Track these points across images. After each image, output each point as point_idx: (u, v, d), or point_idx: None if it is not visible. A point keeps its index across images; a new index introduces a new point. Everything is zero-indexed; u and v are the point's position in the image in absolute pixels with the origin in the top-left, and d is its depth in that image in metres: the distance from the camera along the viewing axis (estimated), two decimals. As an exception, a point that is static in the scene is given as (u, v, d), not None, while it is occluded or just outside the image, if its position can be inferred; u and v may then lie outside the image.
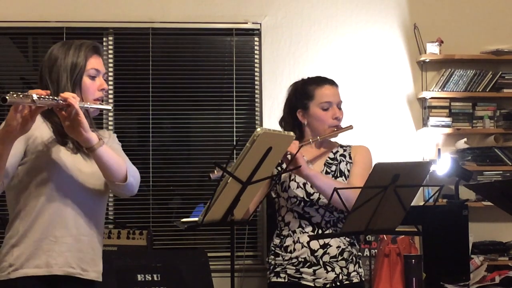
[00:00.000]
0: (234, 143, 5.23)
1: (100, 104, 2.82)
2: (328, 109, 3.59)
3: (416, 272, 4.10)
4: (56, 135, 2.74)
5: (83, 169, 2.75)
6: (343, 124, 3.64)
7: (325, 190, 3.36)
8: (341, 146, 3.71)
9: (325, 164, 3.62)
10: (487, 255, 5.05)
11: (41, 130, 2.70)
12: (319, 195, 3.49)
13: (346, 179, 3.57)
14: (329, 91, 3.62)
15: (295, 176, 3.54)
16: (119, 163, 2.72)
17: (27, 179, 2.71)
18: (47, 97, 2.50)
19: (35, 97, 2.43)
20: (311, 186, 3.50)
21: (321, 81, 3.67)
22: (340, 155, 3.65)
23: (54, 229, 2.71)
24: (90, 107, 2.73)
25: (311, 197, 3.53)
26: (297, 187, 3.56)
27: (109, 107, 2.93)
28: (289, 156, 3.34)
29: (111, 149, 2.76)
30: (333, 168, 3.61)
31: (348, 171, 3.60)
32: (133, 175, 2.78)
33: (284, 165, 3.48)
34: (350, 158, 3.65)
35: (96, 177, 2.75)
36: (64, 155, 2.73)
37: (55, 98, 2.53)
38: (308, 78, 3.74)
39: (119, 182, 2.73)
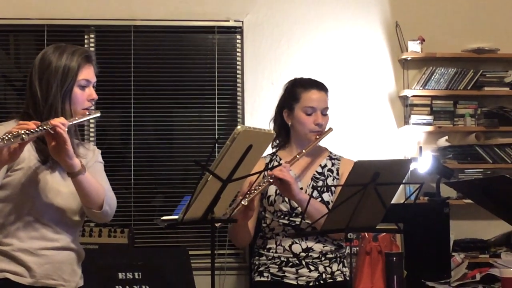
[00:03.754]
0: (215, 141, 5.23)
1: (88, 114, 2.83)
2: (311, 114, 3.61)
3: (397, 270, 4.08)
4: (38, 153, 2.75)
5: (62, 189, 2.77)
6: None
7: (314, 216, 3.34)
8: (331, 158, 3.72)
9: (312, 179, 3.65)
10: (468, 252, 5.08)
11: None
12: None
13: (332, 195, 3.60)
14: (315, 96, 3.64)
15: None
16: (97, 192, 2.74)
17: (8, 194, 2.72)
18: (36, 130, 2.50)
19: (24, 136, 2.44)
20: None
21: (310, 85, 3.68)
22: (328, 170, 3.67)
23: (33, 243, 2.73)
24: (80, 121, 2.76)
25: (295, 211, 3.57)
26: (282, 201, 3.58)
27: (98, 114, 2.90)
28: (280, 180, 3.36)
29: (93, 170, 2.80)
30: (320, 183, 3.63)
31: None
32: (109, 204, 2.79)
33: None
34: (338, 174, 3.67)
35: (74, 196, 2.76)
36: (44, 174, 2.75)
37: (44, 127, 2.53)
38: (300, 79, 3.77)
39: (95, 209, 2.74)
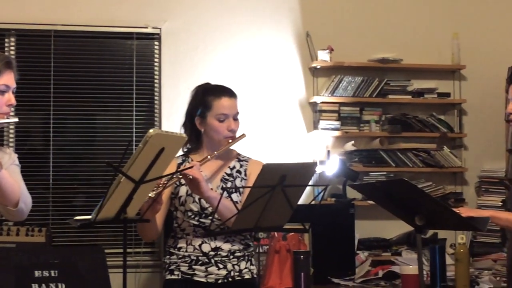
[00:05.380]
0: (132, 143, 5.27)
1: (6, 118, 2.88)
2: (224, 120, 3.68)
3: (304, 267, 4.16)
4: None
5: None
6: (238, 132, 3.75)
7: (223, 213, 3.43)
8: (239, 160, 3.80)
9: (221, 180, 3.71)
10: (371, 251, 5.22)
11: None
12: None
13: (240, 195, 3.68)
14: (227, 103, 3.69)
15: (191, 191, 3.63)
16: (14, 190, 2.78)
17: None
18: None
19: None
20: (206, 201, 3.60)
21: (220, 92, 3.72)
22: (236, 171, 3.74)
23: None
24: None
25: (205, 211, 3.64)
26: (193, 202, 3.65)
27: (16, 119, 2.96)
28: (190, 177, 3.42)
29: (9, 171, 2.82)
30: (229, 184, 3.69)
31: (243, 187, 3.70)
32: (25, 202, 2.85)
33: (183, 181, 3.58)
34: (245, 174, 3.75)
35: None
36: None
37: None
38: (209, 86, 3.81)
39: (10, 207, 2.79)
